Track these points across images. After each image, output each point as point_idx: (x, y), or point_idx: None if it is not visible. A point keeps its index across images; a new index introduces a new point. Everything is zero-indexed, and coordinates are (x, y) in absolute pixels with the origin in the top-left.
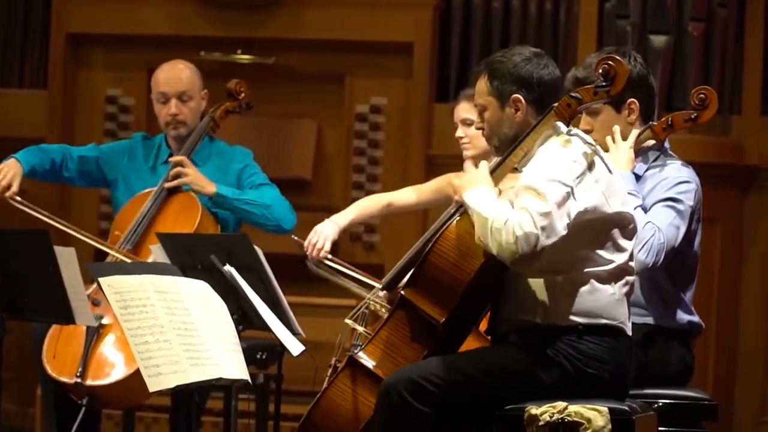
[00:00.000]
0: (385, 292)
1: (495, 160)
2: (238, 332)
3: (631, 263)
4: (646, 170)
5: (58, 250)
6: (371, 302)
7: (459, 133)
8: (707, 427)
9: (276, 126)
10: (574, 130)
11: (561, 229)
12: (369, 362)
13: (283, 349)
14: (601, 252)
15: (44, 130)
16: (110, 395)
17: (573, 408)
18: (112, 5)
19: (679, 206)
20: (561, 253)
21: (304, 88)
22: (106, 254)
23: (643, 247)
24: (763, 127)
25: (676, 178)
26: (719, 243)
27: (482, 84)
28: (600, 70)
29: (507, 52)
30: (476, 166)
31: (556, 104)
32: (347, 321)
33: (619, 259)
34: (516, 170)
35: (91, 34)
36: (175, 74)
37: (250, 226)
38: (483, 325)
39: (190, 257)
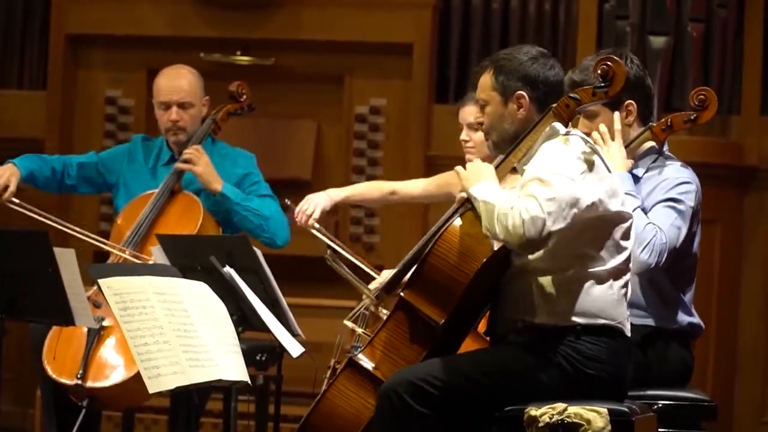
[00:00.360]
0: (384, 293)
1: (497, 159)
2: (238, 333)
3: (629, 263)
4: (645, 172)
5: (58, 251)
6: (370, 304)
7: (464, 136)
8: (707, 428)
9: (275, 127)
10: (574, 131)
11: (567, 217)
12: (368, 364)
13: (282, 350)
14: (600, 252)
15: (43, 131)
16: (111, 397)
17: (572, 409)
18: (112, 6)
19: (680, 207)
20: (561, 252)
21: (304, 88)
22: (107, 256)
23: (645, 247)
24: (762, 127)
25: (676, 178)
26: (719, 243)
27: (487, 79)
28: (599, 71)
29: (514, 50)
30: None
31: (554, 105)
32: (346, 322)
33: (618, 259)
34: (515, 171)
35: (90, 34)
36: (177, 82)
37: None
38: (482, 326)
39: (189, 258)
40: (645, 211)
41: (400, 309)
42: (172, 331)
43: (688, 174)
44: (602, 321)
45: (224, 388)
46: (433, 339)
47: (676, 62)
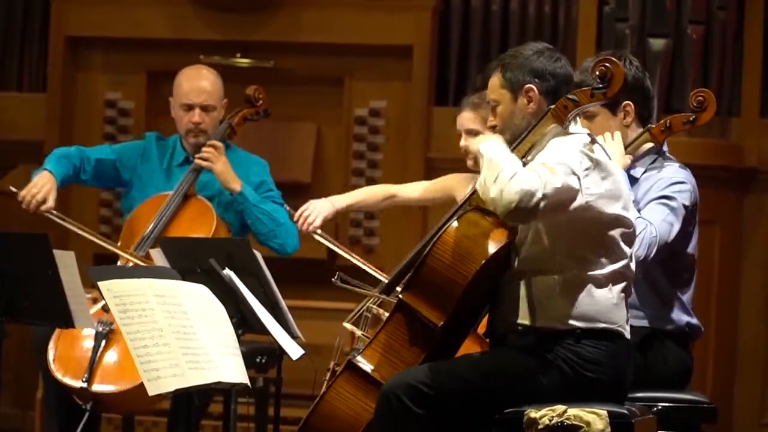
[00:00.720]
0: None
1: None
2: (238, 336)
3: (632, 267)
4: (644, 172)
5: (57, 253)
6: (371, 306)
7: (463, 143)
8: (707, 430)
9: (275, 129)
10: (583, 130)
11: (557, 206)
12: (367, 366)
13: (282, 352)
14: (599, 255)
15: (43, 133)
16: (116, 402)
17: (572, 411)
18: (111, 8)
19: (672, 203)
20: (559, 254)
21: (303, 91)
22: (108, 258)
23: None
24: (761, 129)
25: (671, 178)
26: (718, 245)
27: (495, 80)
28: (597, 72)
29: (520, 48)
30: None
31: (552, 106)
32: (345, 324)
33: (618, 263)
34: None
35: (89, 37)
36: (200, 84)
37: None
38: (482, 328)
39: (189, 261)
40: (639, 210)
41: (398, 311)
42: (172, 333)
43: (684, 174)
44: (602, 324)
45: (224, 391)
46: (432, 341)
47: (675, 64)
